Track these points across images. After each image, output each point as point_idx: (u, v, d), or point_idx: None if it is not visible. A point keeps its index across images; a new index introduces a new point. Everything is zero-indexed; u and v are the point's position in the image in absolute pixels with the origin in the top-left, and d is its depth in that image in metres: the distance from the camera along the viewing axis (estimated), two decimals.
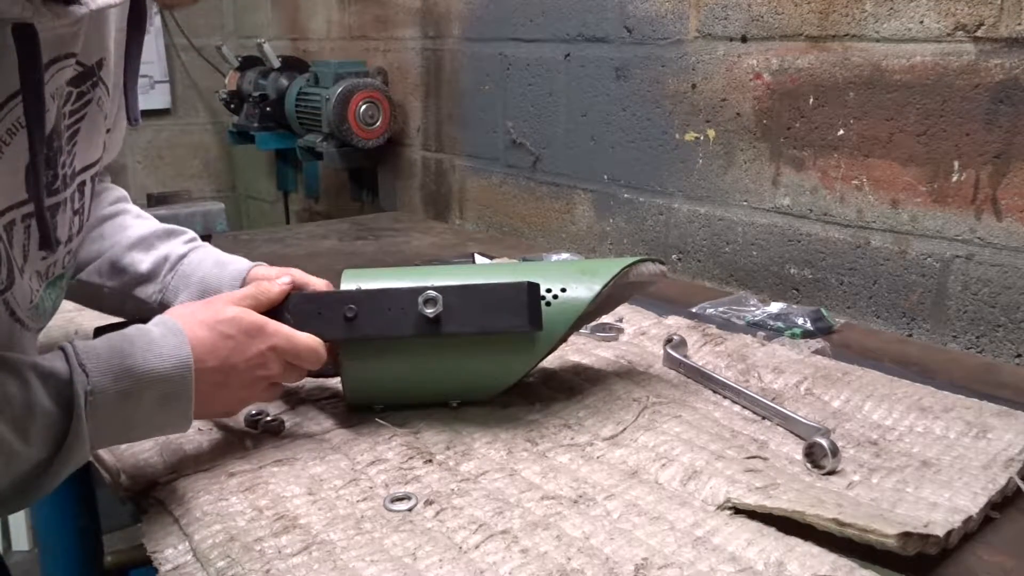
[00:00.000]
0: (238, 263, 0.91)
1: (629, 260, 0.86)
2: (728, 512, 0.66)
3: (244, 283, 0.88)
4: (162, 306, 0.86)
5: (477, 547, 0.62)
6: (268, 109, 2.28)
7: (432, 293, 0.74)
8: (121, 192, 0.97)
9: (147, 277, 0.89)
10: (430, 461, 0.74)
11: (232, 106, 2.45)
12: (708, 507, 0.67)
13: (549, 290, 0.80)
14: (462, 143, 1.93)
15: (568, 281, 0.82)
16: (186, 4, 0.84)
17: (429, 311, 0.74)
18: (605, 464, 0.74)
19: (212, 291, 0.87)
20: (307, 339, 0.76)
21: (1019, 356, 1.06)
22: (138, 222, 0.94)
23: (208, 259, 0.91)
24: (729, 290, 1.36)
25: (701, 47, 1.36)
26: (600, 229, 1.61)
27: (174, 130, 2.90)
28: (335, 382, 0.87)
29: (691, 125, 1.40)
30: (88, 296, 0.92)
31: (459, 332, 0.76)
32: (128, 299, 0.89)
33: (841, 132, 1.20)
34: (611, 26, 1.50)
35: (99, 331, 0.73)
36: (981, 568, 0.63)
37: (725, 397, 0.89)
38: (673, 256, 1.47)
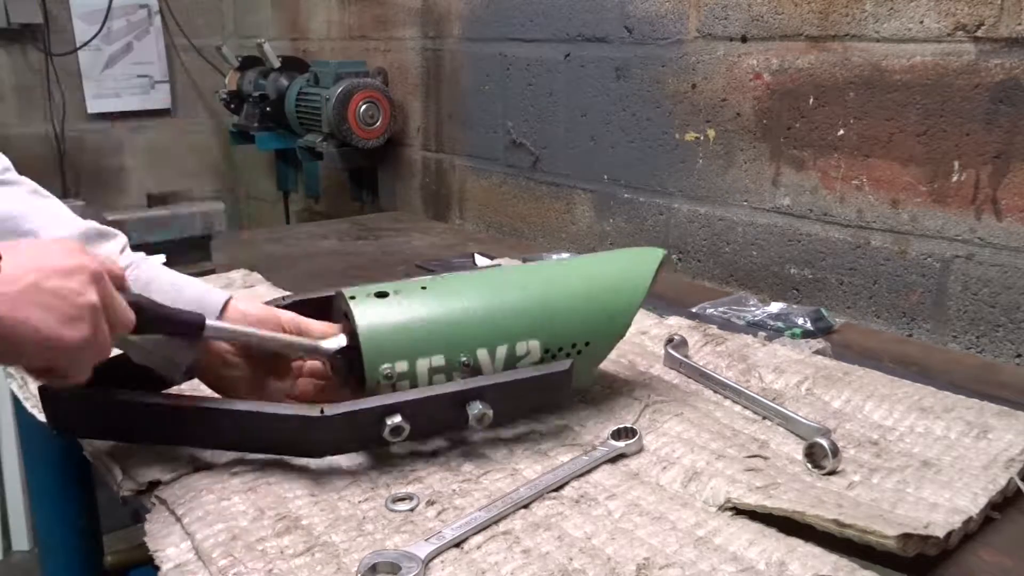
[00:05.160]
0: (206, 292, 0.76)
1: (644, 285, 0.84)
2: (729, 512, 0.67)
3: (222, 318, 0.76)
4: None
5: (479, 547, 0.62)
6: (268, 109, 2.28)
7: (480, 407, 0.73)
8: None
9: None
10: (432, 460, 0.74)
11: (232, 106, 2.45)
12: (709, 507, 0.67)
13: (574, 345, 0.81)
14: (462, 143, 1.93)
15: (593, 336, 0.82)
16: None
17: (476, 413, 0.73)
18: (606, 464, 0.74)
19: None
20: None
21: (1019, 356, 1.06)
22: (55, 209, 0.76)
23: (162, 276, 0.76)
24: (729, 290, 1.37)
25: (701, 47, 1.36)
26: (600, 229, 1.61)
27: (174, 130, 2.89)
28: None
29: (691, 125, 1.40)
30: None
31: (501, 422, 0.77)
32: None
33: (841, 132, 1.20)
34: (611, 26, 1.50)
35: None
36: (981, 568, 0.63)
37: (726, 397, 0.89)
38: (673, 256, 1.47)
